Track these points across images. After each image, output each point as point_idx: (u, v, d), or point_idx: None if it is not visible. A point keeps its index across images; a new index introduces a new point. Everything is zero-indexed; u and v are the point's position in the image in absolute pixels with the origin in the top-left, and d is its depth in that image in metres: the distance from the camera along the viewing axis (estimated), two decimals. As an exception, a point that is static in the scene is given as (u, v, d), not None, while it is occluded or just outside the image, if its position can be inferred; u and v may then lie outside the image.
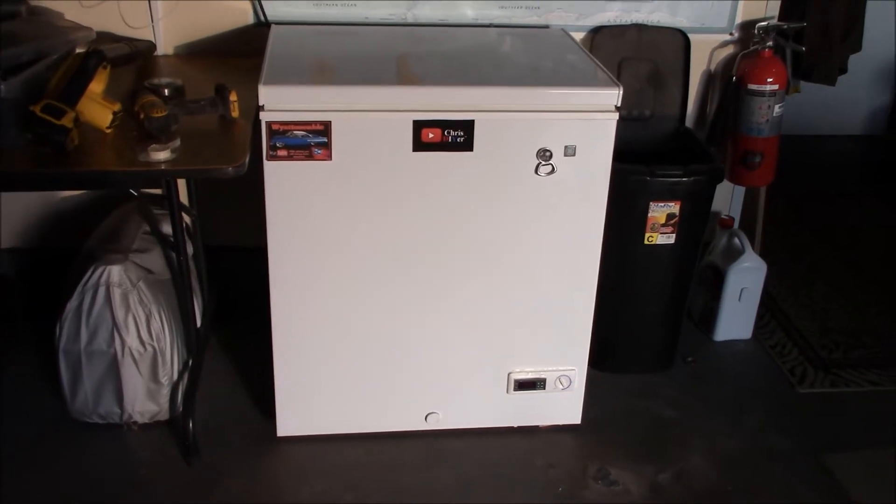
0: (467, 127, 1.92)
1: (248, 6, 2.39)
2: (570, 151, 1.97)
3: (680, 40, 2.51)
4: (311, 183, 1.93)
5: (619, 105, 1.95)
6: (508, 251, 2.06)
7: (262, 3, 2.37)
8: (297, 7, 2.39)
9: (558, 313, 2.15)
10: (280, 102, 1.86)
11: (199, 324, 2.35)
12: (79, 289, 2.09)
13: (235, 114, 1.96)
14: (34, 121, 1.68)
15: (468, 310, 2.11)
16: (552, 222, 2.04)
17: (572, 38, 2.32)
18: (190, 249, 2.37)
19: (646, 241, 2.32)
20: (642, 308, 2.44)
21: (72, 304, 2.09)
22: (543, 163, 1.97)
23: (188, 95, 2.12)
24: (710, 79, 2.64)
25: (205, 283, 2.48)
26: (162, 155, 1.76)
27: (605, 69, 2.05)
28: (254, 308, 2.16)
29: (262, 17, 2.39)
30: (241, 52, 2.39)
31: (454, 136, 1.92)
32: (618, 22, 2.50)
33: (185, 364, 2.25)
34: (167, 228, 2.29)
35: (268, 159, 1.90)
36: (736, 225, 2.77)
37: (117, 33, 2.30)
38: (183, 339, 2.24)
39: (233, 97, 1.95)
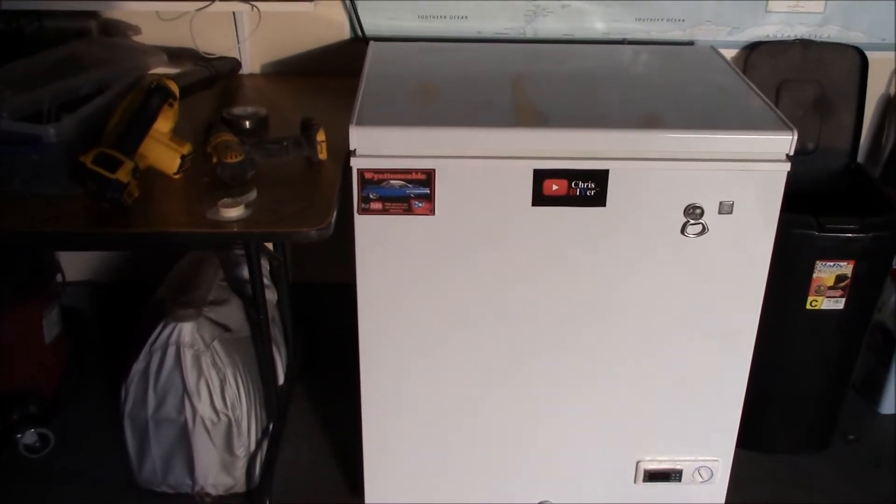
0: (600, 178, 1.57)
1: (344, 19, 2.08)
2: (726, 208, 1.60)
3: (854, 58, 2.09)
4: (409, 241, 1.62)
5: (791, 153, 1.57)
6: (644, 323, 1.70)
7: (360, 16, 2.06)
8: (399, 20, 2.07)
9: (702, 394, 1.79)
10: (375, 147, 1.55)
11: (280, 381, 2.08)
12: (146, 348, 1.83)
13: (323, 156, 1.66)
14: (84, 174, 1.41)
15: (592, 387, 1.77)
16: (700, 291, 1.67)
17: (725, 60, 1.93)
18: (273, 296, 2.10)
19: (808, 306, 1.93)
20: (799, 381, 2.04)
21: (138, 366, 1.84)
22: (692, 221, 1.61)
23: (272, 127, 1.84)
24: (888, 105, 2.20)
25: (289, 331, 2.20)
26: (234, 213, 1.48)
27: (772, 105, 1.67)
28: (344, 352, 1.88)
29: (360, 32, 2.08)
30: (337, 71, 2.10)
31: (583, 188, 1.58)
32: (778, 36, 2.10)
33: (265, 431, 1.98)
34: (246, 273, 2.02)
35: (359, 213, 1.59)
36: (910, 276, 2.33)
37: (200, 49, 2.02)
38: (262, 404, 1.97)
39: (320, 136, 1.65)
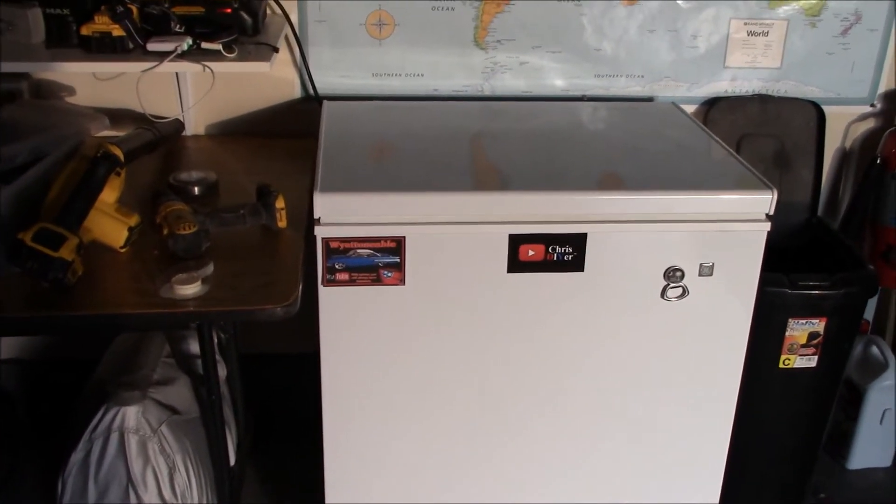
0: (578, 242, 1.50)
1: (294, 77, 1.99)
2: (706, 270, 1.55)
3: (811, 113, 2.08)
4: (378, 313, 1.52)
5: (771, 213, 1.52)
6: (625, 388, 1.63)
7: (312, 74, 1.97)
8: (352, 78, 1.98)
9: (684, 459, 1.71)
10: (341, 214, 1.45)
11: (232, 462, 1.93)
12: (85, 436, 1.67)
13: (283, 224, 1.55)
14: (24, 253, 1.28)
15: (571, 460, 1.68)
16: (682, 354, 1.61)
17: (688, 116, 1.89)
18: (223, 371, 1.96)
19: (781, 365, 1.88)
20: (773, 441, 1.99)
21: (77, 456, 1.68)
22: (673, 284, 1.55)
23: (223, 192, 1.72)
24: (844, 158, 2.20)
25: (240, 407, 2.06)
26: (190, 290, 1.35)
27: (746, 163, 1.63)
28: (297, 425, 1.76)
29: (312, 91, 1.99)
30: (287, 132, 2.00)
31: (560, 253, 1.50)
32: (736, 92, 2.08)
33: (217, 518, 1.83)
34: (195, 347, 1.88)
35: (324, 284, 1.49)
36: (870, 330, 2.32)
37: (138, 109, 1.90)
38: (214, 489, 1.82)
39: (279, 204, 1.54)
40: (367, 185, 1.49)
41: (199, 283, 1.37)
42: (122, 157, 1.46)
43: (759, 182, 1.55)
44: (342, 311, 1.51)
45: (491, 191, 1.50)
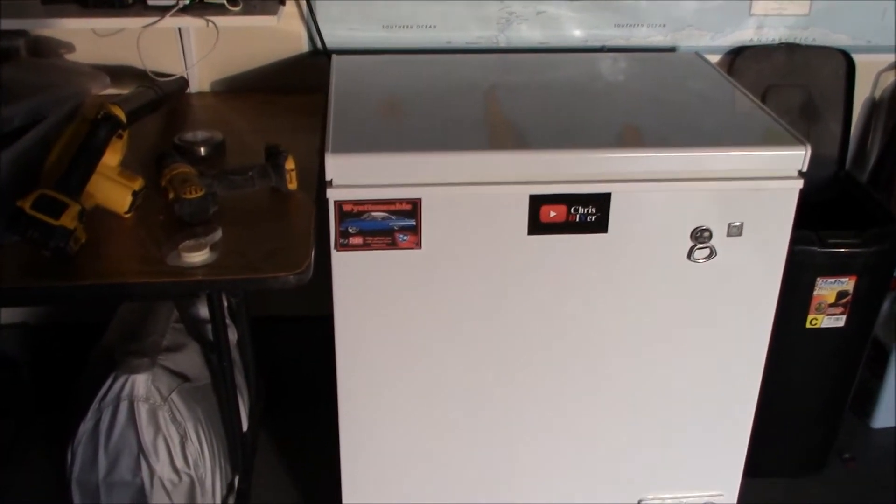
0: (601, 202, 1.43)
1: (302, 31, 1.91)
2: (735, 230, 1.48)
3: (840, 62, 1.99)
4: (393, 278, 1.46)
5: (804, 169, 1.45)
6: (648, 354, 1.58)
7: (320, 27, 1.88)
8: (362, 31, 1.90)
9: (709, 425, 1.67)
10: (354, 176, 1.39)
11: (244, 428, 1.90)
12: (94, 405, 1.63)
13: (293, 185, 1.49)
14: (24, 221, 1.22)
15: (592, 424, 1.64)
16: (708, 318, 1.55)
17: (713, 67, 1.81)
18: (233, 335, 1.91)
19: (808, 325, 1.82)
20: (797, 402, 1.94)
21: (86, 425, 1.64)
22: (700, 245, 1.48)
23: (229, 152, 1.66)
24: (873, 109, 2.11)
25: (252, 372, 2.01)
26: (198, 257, 1.30)
27: (778, 118, 1.55)
28: (309, 389, 1.71)
29: (320, 45, 1.91)
30: (295, 87, 1.92)
31: (583, 214, 1.44)
32: (762, 41, 1.99)
33: (230, 486, 1.80)
34: (205, 311, 1.83)
35: (337, 249, 1.43)
36: None
37: (139, 66, 1.82)
38: (227, 457, 1.78)
39: (289, 165, 1.47)
40: (380, 144, 1.42)
41: (206, 249, 1.31)
42: (124, 118, 1.39)
43: (791, 137, 1.47)
44: (356, 277, 1.45)
45: (510, 150, 1.43)
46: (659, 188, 1.44)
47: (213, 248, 1.32)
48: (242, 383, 1.96)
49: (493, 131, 1.51)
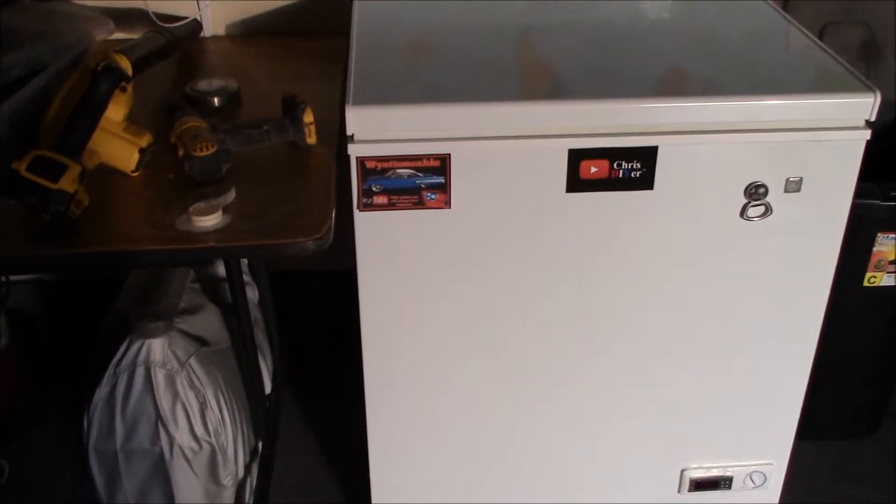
0: (647, 156, 1.31)
1: (321, -31, 1.78)
2: (793, 186, 1.35)
3: (905, -3, 1.83)
4: (421, 239, 1.36)
5: (872, 119, 1.32)
6: (695, 318, 1.47)
7: (340, -36, 1.75)
8: (385, -32, 1.76)
9: (759, 392, 1.56)
10: (377, 130, 1.27)
11: (267, 391, 1.82)
12: (109, 371, 1.56)
13: (312, 140, 1.38)
14: (20, 185, 1.12)
15: (633, 390, 1.54)
16: (761, 280, 1.44)
17: (769, 3, 1.66)
18: (254, 294, 1.83)
19: (865, 283, 1.70)
20: (851, 362, 1.83)
21: (101, 392, 1.57)
22: (754, 202, 1.36)
23: (245, 104, 1.55)
24: (940, 47, 1.95)
25: (274, 332, 1.93)
26: (210, 221, 1.20)
27: (842, 61, 1.41)
28: (335, 347, 1.63)
29: (341, -16, 1.77)
30: (315, 31, 1.80)
31: (627, 169, 1.32)
32: (820, -27, 1.83)
33: (253, 452, 1.73)
34: (223, 271, 1.74)
35: (360, 209, 1.32)
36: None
37: (148, 9, 1.70)
38: (248, 422, 1.71)
39: (308, 118, 1.36)
40: (405, 95, 1.30)
41: (219, 213, 1.21)
42: (129, 69, 1.29)
43: (857, 82, 1.34)
44: (381, 238, 1.35)
45: (547, 100, 1.30)
46: (710, 140, 1.31)
47: (225, 210, 1.23)
48: (265, 343, 1.88)
49: (529, 79, 1.38)
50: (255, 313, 1.83)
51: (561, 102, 1.30)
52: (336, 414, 1.98)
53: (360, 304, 1.41)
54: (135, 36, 1.57)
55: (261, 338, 1.85)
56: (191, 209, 1.21)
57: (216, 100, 1.53)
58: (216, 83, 1.56)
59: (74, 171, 1.14)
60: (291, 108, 1.37)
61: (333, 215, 1.22)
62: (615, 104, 1.29)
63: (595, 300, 1.43)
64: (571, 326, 1.45)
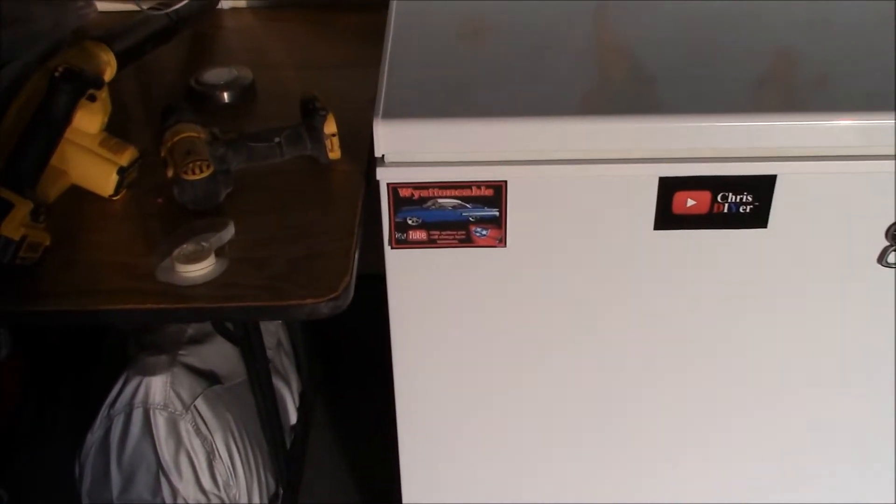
0: (762, 187, 1.01)
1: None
2: (949, 226, 1.05)
3: None
4: (468, 285, 1.08)
5: None
6: (813, 388, 1.18)
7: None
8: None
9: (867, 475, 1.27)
10: (414, 151, 1.00)
11: (292, 421, 1.59)
12: (103, 412, 1.34)
13: (334, 155, 1.11)
14: (-49, 228, 0.88)
15: (725, 472, 1.26)
16: (896, 339, 1.14)
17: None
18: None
19: None
20: None
21: (94, 435, 1.35)
22: (897, 246, 1.06)
23: (261, 100, 1.29)
24: None
25: (302, 354, 1.69)
26: (197, 272, 0.94)
27: None
28: (368, 362, 1.38)
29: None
30: (346, 4, 1.52)
31: (734, 202, 1.03)
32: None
33: (273, 498, 1.50)
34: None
35: (393, 246, 1.05)
36: None
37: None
38: (268, 466, 1.48)
39: (329, 127, 1.09)
40: (451, 106, 1.02)
41: (210, 258, 0.95)
42: (108, 66, 1.03)
43: None
44: (418, 282, 1.08)
45: (632, 113, 1.01)
46: (845, 168, 1.01)
47: (219, 253, 0.97)
48: (290, 368, 1.63)
49: (607, 87, 1.09)
50: (280, 334, 1.59)
51: (650, 117, 1.00)
52: (367, 437, 1.75)
53: (394, 362, 1.15)
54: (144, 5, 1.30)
55: (286, 363, 1.61)
56: (175, 253, 0.95)
57: (226, 95, 1.27)
58: (226, 73, 1.29)
59: (22, 210, 0.89)
60: (310, 115, 1.10)
61: (355, 266, 0.95)
62: (720, 120, 0.99)
63: (686, 365, 1.15)
64: (661, 395, 1.17)
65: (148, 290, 0.93)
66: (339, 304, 0.91)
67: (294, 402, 1.61)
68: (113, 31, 1.16)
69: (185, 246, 0.96)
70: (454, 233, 1.04)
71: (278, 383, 1.54)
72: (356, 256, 0.98)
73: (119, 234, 1.02)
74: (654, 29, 1.18)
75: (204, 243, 0.97)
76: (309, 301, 0.91)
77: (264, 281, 0.94)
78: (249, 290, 0.93)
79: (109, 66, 1.09)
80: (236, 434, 1.39)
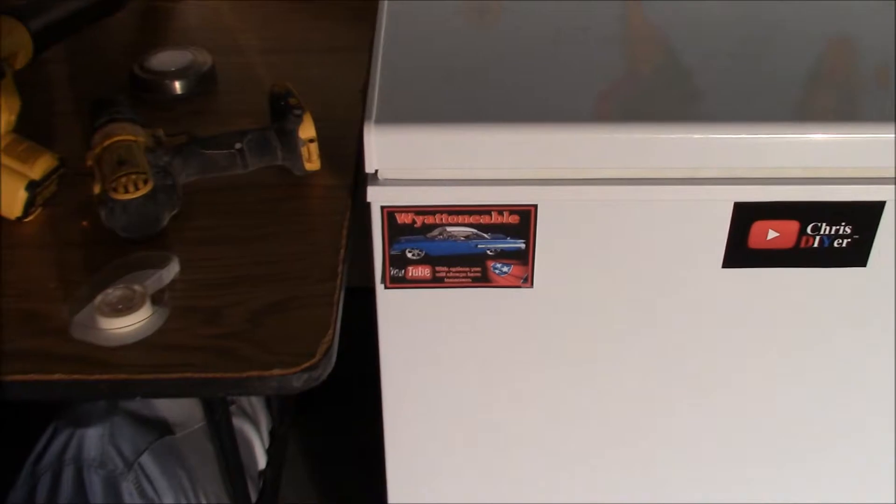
0: (865, 216, 0.79)
1: None
2: None
3: None
4: (483, 336, 0.85)
5: None
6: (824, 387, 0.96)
7: None
8: None
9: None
10: (414, 165, 0.76)
11: (261, 466, 1.35)
12: (27, 469, 1.10)
13: (313, 165, 0.86)
14: None
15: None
16: None
17: None
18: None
19: None
20: None
21: (17, 494, 1.11)
22: None
23: (223, 91, 1.04)
24: None
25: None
26: (125, 327, 0.70)
27: None
28: (352, 385, 1.16)
29: None
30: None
31: (827, 235, 0.80)
32: None
33: (237, 563, 1.27)
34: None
35: (388, 285, 0.82)
36: None
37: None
38: (231, 524, 1.24)
39: (306, 131, 0.85)
40: (463, 107, 0.78)
41: (145, 308, 0.71)
42: (10, 55, 0.78)
43: None
44: (418, 332, 0.85)
45: (697, 121, 0.77)
46: (972, 193, 0.78)
47: (157, 299, 0.73)
48: (258, 402, 1.40)
49: (661, 86, 0.85)
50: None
51: (720, 126, 0.76)
52: (348, 475, 1.53)
53: (384, 418, 0.92)
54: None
55: (252, 398, 1.37)
56: (97, 300, 0.71)
57: (178, 85, 1.02)
58: (180, 57, 1.04)
59: None
60: (281, 114, 0.86)
61: (339, 319, 0.72)
62: (816, 131, 0.76)
63: (767, 434, 0.92)
64: (730, 469, 0.95)
65: (59, 353, 0.69)
66: (316, 375, 0.68)
67: (263, 444, 1.37)
68: (32, 1, 0.91)
69: (110, 291, 0.72)
70: (466, 269, 0.81)
71: (244, 425, 1.30)
72: (340, 304, 0.74)
73: (27, 271, 0.77)
74: (704, 11, 0.94)
75: (136, 286, 0.72)
76: (275, 372, 0.67)
77: (216, 341, 0.70)
78: (196, 355, 0.69)
79: (23, 50, 0.84)
80: (190, 493, 1.16)
